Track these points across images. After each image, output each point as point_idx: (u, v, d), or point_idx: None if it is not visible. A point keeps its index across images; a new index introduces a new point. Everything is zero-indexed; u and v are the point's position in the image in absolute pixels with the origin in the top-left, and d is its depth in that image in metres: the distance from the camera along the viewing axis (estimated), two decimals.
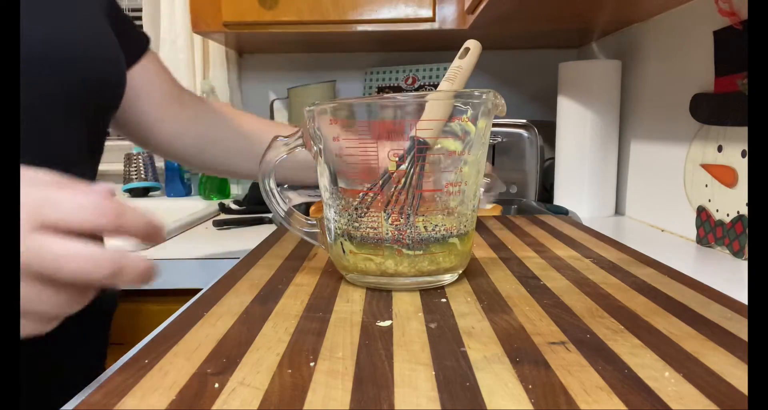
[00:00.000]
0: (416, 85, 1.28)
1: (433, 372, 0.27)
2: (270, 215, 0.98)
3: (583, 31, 1.12)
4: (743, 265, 0.63)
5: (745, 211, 0.64)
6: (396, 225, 0.39)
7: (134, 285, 0.27)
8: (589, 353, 0.29)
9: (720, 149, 0.69)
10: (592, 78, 0.96)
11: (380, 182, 0.40)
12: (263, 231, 0.89)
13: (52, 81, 0.44)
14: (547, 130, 1.04)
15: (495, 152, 1.04)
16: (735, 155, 0.66)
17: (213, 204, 1.15)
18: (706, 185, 0.72)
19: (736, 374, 0.27)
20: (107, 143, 0.57)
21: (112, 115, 0.55)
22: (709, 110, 0.72)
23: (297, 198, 0.97)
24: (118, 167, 1.36)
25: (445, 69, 0.57)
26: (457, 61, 0.44)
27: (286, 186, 1.02)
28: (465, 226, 0.41)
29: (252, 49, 1.38)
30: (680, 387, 0.26)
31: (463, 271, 0.45)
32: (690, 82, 0.78)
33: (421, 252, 0.40)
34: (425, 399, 0.25)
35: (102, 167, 0.57)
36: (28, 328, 0.26)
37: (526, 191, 1.04)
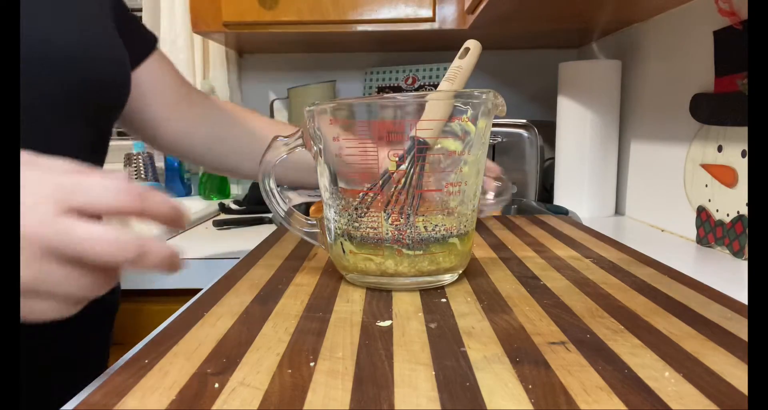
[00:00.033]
0: (416, 85, 1.28)
1: (433, 372, 0.27)
2: (270, 215, 0.98)
3: (583, 31, 1.12)
4: (743, 265, 0.63)
5: (745, 211, 0.64)
6: (396, 225, 0.39)
7: (160, 272, 0.27)
8: (589, 353, 0.29)
9: (720, 149, 0.69)
10: (592, 78, 0.96)
11: (380, 182, 0.40)
12: (263, 231, 0.89)
13: (52, 81, 0.44)
14: (547, 130, 1.04)
15: (495, 152, 1.04)
16: (735, 155, 0.66)
17: (213, 204, 1.15)
18: (706, 185, 0.72)
19: (736, 374, 0.27)
20: None
21: (116, 115, 0.55)
22: (709, 110, 0.72)
23: (297, 198, 0.97)
24: (118, 167, 1.36)
25: (445, 69, 0.57)
26: (457, 61, 0.44)
27: (286, 186, 1.02)
28: (465, 226, 0.41)
29: (252, 49, 1.38)
30: (680, 387, 0.26)
31: (463, 271, 0.45)
32: (690, 82, 0.78)
33: (421, 252, 0.40)
34: (425, 399, 0.25)
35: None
36: (52, 311, 0.27)
37: (526, 191, 1.04)
